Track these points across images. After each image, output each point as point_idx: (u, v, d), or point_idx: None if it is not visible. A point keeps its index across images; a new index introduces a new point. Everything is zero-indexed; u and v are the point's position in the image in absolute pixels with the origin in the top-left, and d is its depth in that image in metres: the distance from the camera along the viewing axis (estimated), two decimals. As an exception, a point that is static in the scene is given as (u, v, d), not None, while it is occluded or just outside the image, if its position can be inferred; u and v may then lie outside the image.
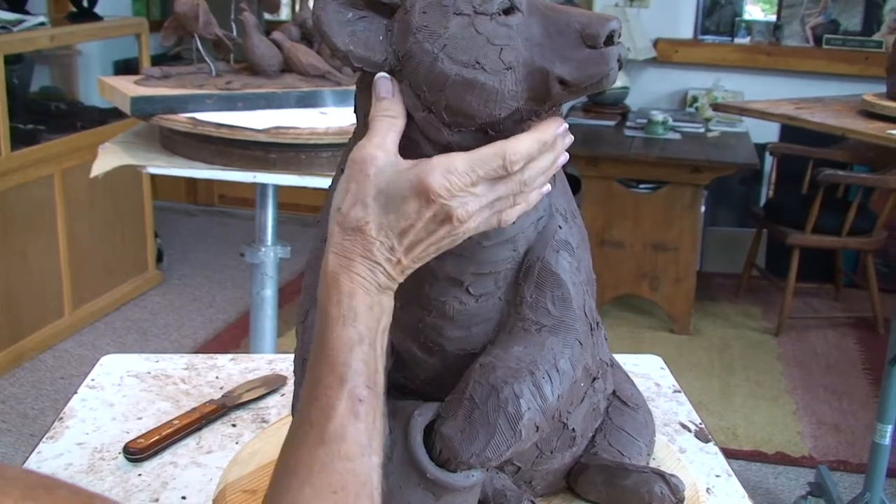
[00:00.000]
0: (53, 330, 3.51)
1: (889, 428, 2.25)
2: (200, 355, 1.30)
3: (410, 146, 0.69)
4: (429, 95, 0.67)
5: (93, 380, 1.22)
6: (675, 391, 1.22)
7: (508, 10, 0.66)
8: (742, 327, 3.90)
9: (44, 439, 1.06)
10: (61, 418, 1.11)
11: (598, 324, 0.82)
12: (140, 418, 1.12)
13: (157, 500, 0.95)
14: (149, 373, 1.24)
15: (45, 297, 3.47)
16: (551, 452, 0.81)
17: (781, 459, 2.89)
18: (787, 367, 3.54)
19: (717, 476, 1.00)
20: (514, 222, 0.70)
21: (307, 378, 0.66)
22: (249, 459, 0.95)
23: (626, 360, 1.26)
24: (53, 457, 1.03)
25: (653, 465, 0.91)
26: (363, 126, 0.73)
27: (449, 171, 0.65)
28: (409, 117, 0.69)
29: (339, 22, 0.67)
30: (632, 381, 0.94)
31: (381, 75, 0.69)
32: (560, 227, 0.77)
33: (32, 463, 1.01)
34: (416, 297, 0.75)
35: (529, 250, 0.76)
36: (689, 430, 1.11)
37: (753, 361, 3.57)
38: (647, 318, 3.89)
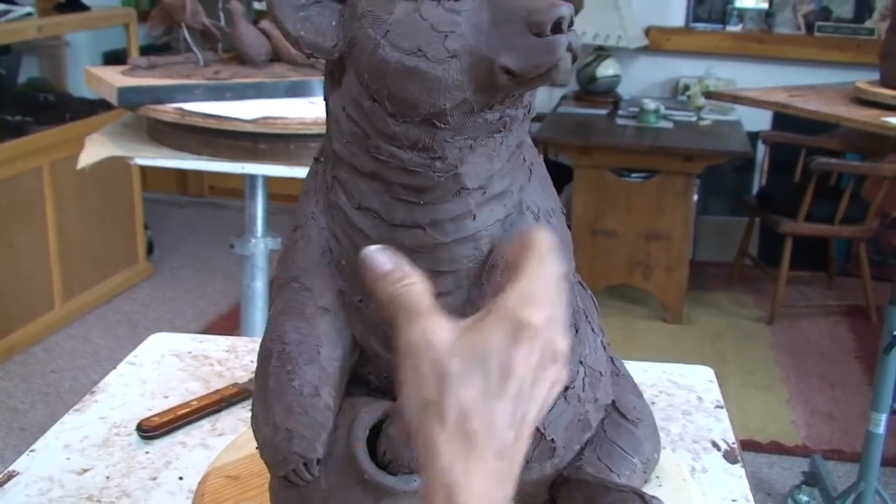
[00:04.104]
0: (43, 323, 3.49)
1: (883, 416, 2.25)
2: (245, 339, 1.31)
3: (359, 138, 0.66)
4: (371, 83, 0.64)
5: (135, 356, 1.23)
6: (718, 406, 1.14)
7: None
8: (735, 316, 3.89)
9: (70, 411, 1.08)
10: (93, 392, 1.13)
11: (577, 330, 0.78)
12: (166, 397, 1.12)
13: (154, 479, 0.95)
14: (189, 352, 1.25)
15: (35, 289, 3.45)
16: (528, 463, 0.77)
17: (775, 448, 2.89)
18: (780, 355, 3.54)
19: (734, 501, 0.93)
20: (475, 219, 0.67)
21: None
22: (244, 445, 0.93)
23: (672, 370, 1.20)
24: (73, 428, 1.04)
25: (655, 482, 0.87)
26: (333, 123, 0.69)
27: (529, 299, 0.53)
28: (359, 106, 0.66)
29: (291, 6, 0.65)
30: (639, 393, 0.87)
31: (370, 250, 0.57)
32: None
33: (53, 433, 1.03)
34: None
35: (494, 249, 0.71)
36: (719, 450, 1.04)
37: (746, 350, 3.57)
38: (640, 308, 3.88)
